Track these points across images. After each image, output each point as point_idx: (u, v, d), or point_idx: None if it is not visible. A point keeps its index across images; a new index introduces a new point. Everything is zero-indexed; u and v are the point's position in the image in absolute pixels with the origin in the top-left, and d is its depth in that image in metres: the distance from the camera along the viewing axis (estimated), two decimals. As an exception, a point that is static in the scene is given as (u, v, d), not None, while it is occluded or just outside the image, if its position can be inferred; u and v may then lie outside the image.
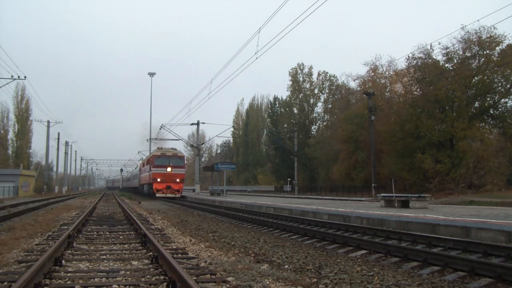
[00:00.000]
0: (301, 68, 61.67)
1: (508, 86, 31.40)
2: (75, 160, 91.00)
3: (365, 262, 6.78)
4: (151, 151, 45.29)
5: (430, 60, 33.43)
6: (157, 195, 33.74)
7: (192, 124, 43.80)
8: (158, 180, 34.14)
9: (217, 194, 36.65)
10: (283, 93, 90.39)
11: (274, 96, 72.12)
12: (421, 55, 33.61)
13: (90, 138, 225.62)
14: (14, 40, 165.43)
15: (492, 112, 33.32)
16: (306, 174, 57.56)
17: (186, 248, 7.51)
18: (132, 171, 68.85)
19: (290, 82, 62.05)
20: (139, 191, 48.54)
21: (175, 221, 14.15)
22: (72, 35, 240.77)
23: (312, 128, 62.65)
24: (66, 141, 70.82)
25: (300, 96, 61.91)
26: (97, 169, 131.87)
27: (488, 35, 30.45)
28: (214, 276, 5.13)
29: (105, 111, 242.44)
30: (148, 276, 5.19)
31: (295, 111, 62.73)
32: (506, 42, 30.32)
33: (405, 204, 15.52)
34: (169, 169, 34.40)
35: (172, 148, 37.95)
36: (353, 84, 49.72)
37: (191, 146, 67.30)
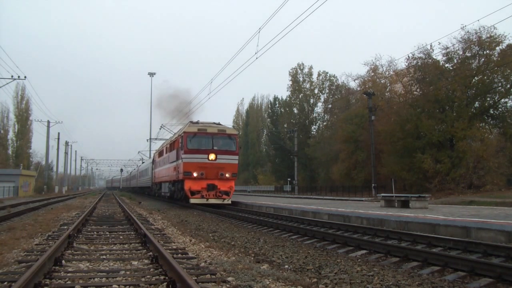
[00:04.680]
0: (301, 68, 61.74)
1: (508, 86, 31.39)
2: (75, 160, 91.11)
3: (365, 262, 6.78)
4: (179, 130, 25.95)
5: (430, 60, 33.42)
6: (192, 200, 20.52)
7: (193, 123, 43.57)
8: (194, 175, 20.44)
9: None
10: (283, 93, 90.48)
11: (274, 96, 72.26)
12: (421, 55, 33.63)
13: (90, 138, 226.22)
14: (14, 40, 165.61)
15: (492, 112, 33.34)
16: (306, 174, 57.57)
17: (186, 248, 7.51)
18: (139, 166, 55.49)
19: (290, 82, 62.13)
20: (152, 193, 36.69)
21: (175, 221, 14.14)
22: (72, 35, 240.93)
23: (312, 128, 62.71)
24: (66, 141, 70.87)
25: (300, 96, 61.94)
26: (97, 169, 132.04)
27: (488, 35, 30.46)
28: (214, 276, 5.13)
29: (105, 111, 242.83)
30: (148, 276, 5.19)
31: (295, 111, 62.76)
32: (506, 42, 30.36)
33: (405, 204, 15.52)
34: (212, 156, 20.63)
35: (215, 123, 23.08)
36: (353, 84, 49.80)
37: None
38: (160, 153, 30.88)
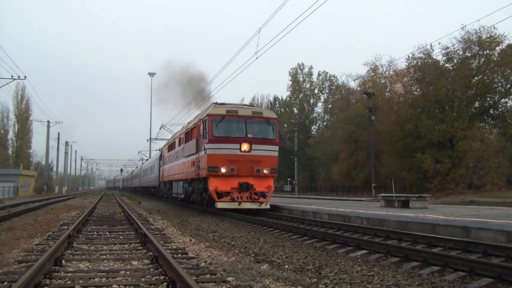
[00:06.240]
0: (301, 68, 61.78)
1: (508, 86, 31.43)
2: (75, 160, 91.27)
3: (365, 262, 6.78)
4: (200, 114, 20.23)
5: (430, 60, 33.46)
6: (219, 205, 15.85)
7: (193, 124, 43.16)
8: (222, 171, 15.90)
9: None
10: (283, 93, 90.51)
11: (274, 96, 72.20)
12: (421, 55, 33.68)
13: (90, 138, 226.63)
14: (15, 40, 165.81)
15: (492, 112, 33.38)
16: (306, 174, 57.59)
17: (186, 248, 7.51)
18: (142, 164, 50.40)
19: (290, 82, 62.19)
20: (160, 194, 32.30)
21: (175, 221, 14.16)
22: (73, 36, 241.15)
23: (312, 128, 62.80)
24: (66, 141, 70.94)
25: (300, 96, 61.99)
26: (97, 169, 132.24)
27: (488, 35, 30.49)
28: (214, 276, 5.13)
29: (105, 111, 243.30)
30: (148, 276, 5.19)
31: (295, 111, 62.79)
32: (506, 42, 30.42)
33: (405, 204, 15.52)
34: (245, 147, 16.08)
35: (246, 105, 19.10)
36: (353, 84, 49.85)
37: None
38: (171, 146, 25.69)
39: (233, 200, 15.81)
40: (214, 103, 17.99)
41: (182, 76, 34.69)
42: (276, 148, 17.03)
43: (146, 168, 42.03)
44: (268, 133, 16.83)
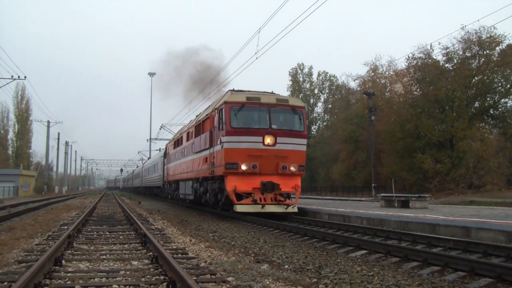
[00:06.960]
0: (301, 68, 61.73)
1: (508, 86, 31.41)
2: (75, 160, 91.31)
3: (365, 262, 6.78)
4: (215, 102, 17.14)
5: (430, 60, 33.43)
6: (239, 208, 13.53)
7: (193, 124, 42.99)
8: (243, 168, 13.68)
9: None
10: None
11: (274, 96, 72.12)
12: (421, 55, 33.63)
13: (90, 138, 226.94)
14: (15, 40, 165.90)
15: (492, 112, 33.35)
16: (306, 174, 57.36)
17: (186, 248, 7.51)
18: (144, 162, 48.10)
19: (290, 82, 62.13)
20: (165, 194, 30.00)
21: (175, 221, 14.16)
22: (72, 37, 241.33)
23: (312, 128, 62.71)
24: (66, 141, 70.96)
25: (300, 96, 61.92)
26: (97, 169, 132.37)
27: (488, 35, 30.47)
28: (214, 276, 5.13)
29: (105, 111, 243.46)
30: (148, 276, 5.20)
31: (295, 111, 62.70)
32: (506, 42, 30.35)
33: (405, 204, 15.52)
34: (269, 140, 13.83)
35: (267, 92, 16.05)
36: (353, 84, 49.84)
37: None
38: (177, 141, 23.19)
39: (255, 202, 13.51)
40: (230, 90, 15.75)
41: (183, 66, 34.18)
42: (305, 141, 14.94)
43: (149, 167, 39.70)
44: (294, 123, 14.58)
